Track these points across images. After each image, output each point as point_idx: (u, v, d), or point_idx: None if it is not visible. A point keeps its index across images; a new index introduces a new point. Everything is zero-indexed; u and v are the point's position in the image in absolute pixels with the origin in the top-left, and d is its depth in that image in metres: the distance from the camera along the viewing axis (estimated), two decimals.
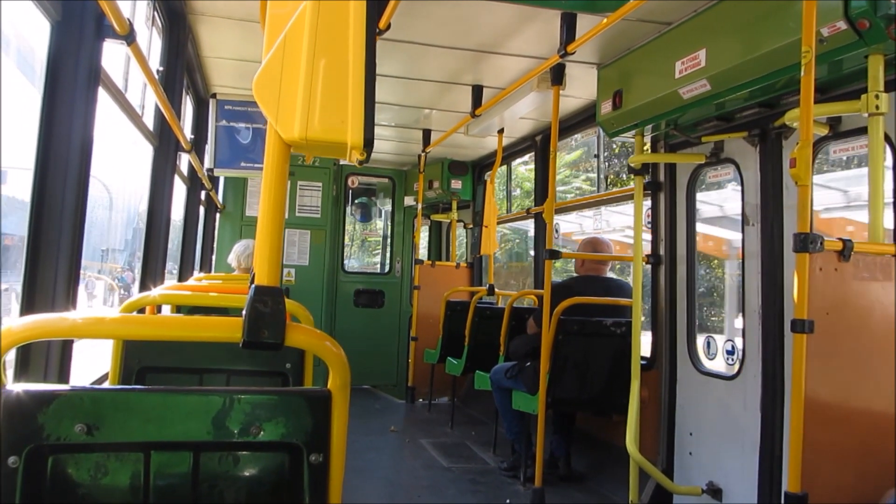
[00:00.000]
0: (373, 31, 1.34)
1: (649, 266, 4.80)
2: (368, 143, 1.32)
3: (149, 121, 4.26)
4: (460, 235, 9.51)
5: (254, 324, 1.39)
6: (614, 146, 12.56)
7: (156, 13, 4.17)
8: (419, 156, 7.97)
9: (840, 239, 2.66)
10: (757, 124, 3.79)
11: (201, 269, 7.12)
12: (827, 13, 2.69)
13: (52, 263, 2.42)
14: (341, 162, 8.65)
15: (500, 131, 6.55)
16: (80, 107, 2.48)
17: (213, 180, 6.99)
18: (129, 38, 2.68)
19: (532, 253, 8.52)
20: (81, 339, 2.42)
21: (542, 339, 4.60)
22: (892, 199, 3.07)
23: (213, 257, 8.00)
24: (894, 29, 2.62)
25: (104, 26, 2.55)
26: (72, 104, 2.45)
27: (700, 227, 4.74)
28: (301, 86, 1.32)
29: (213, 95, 5.97)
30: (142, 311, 2.98)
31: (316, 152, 1.41)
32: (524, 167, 12.24)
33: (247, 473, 1.52)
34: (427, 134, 7.39)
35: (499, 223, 7.53)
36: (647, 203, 4.84)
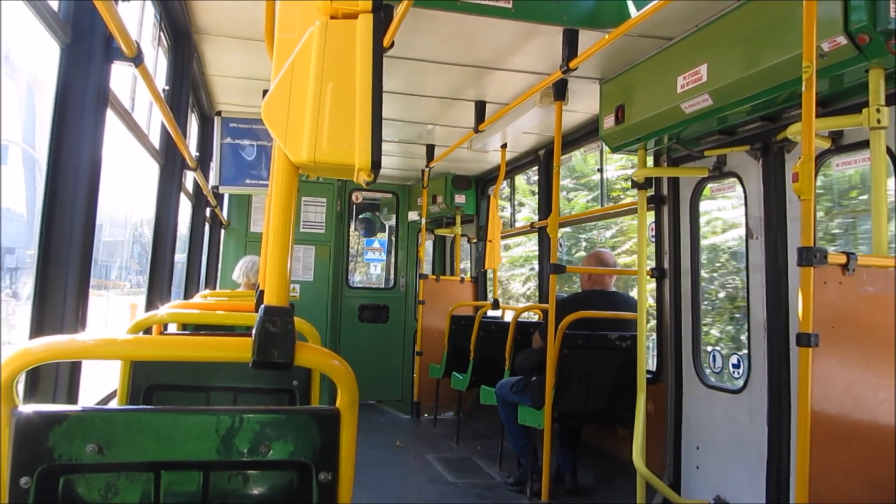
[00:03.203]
0: (379, 55, 1.37)
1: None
2: (376, 164, 1.34)
3: (154, 139, 4.29)
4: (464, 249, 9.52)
5: (263, 344, 1.40)
6: None
7: (161, 33, 4.21)
8: (423, 171, 7.99)
9: (844, 252, 2.67)
10: (759, 138, 3.80)
11: (207, 286, 7.14)
12: (827, 28, 2.71)
13: (61, 284, 2.43)
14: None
15: (504, 146, 6.57)
16: (88, 129, 2.50)
17: (218, 197, 7.01)
18: (137, 59, 2.70)
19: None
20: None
21: (548, 354, 4.60)
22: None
23: (219, 274, 8.02)
24: (894, 43, 2.64)
25: (112, 49, 2.58)
26: (80, 126, 2.48)
27: None
28: (309, 109, 1.34)
29: (218, 113, 6.02)
30: (148, 328, 2.99)
31: (324, 174, 1.43)
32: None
33: (256, 492, 1.52)
34: (430, 149, 7.42)
35: (503, 237, 7.54)
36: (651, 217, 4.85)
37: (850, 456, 2.74)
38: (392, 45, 3.53)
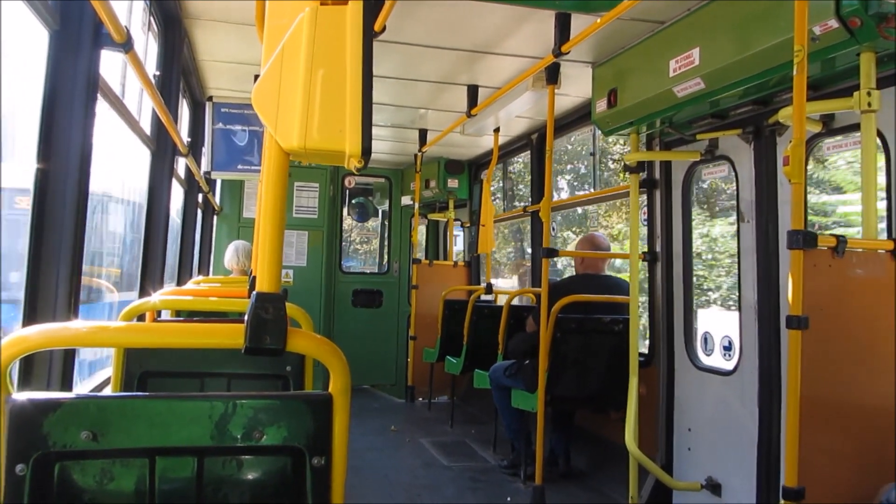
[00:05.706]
0: (370, 41, 1.36)
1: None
2: (366, 151, 1.34)
3: (145, 125, 4.27)
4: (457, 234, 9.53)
5: (256, 330, 1.41)
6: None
7: (151, 18, 4.18)
8: (416, 155, 7.98)
9: (834, 235, 2.69)
10: (751, 121, 3.81)
11: (200, 272, 7.13)
12: (819, 12, 2.72)
13: (52, 273, 2.43)
14: None
15: (496, 130, 6.56)
16: (79, 116, 2.48)
17: (211, 183, 7.00)
18: (127, 45, 2.68)
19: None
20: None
21: (541, 337, 4.62)
22: (884, 195, 3.11)
23: (211, 260, 8.01)
24: (885, 27, 2.65)
25: (102, 35, 2.56)
26: (71, 113, 2.46)
27: None
28: (300, 95, 1.34)
29: (210, 98, 5.99)
30: (141, 315, 3.00)
31: (315, 160, 1.43)
32: None
33: (250, 477, 1.54)
34: (423, 134, 7.41)
35: (495, 221, 7.55)
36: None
37: (839, 438, 2.77)
38: (384, 29, 3.51)
